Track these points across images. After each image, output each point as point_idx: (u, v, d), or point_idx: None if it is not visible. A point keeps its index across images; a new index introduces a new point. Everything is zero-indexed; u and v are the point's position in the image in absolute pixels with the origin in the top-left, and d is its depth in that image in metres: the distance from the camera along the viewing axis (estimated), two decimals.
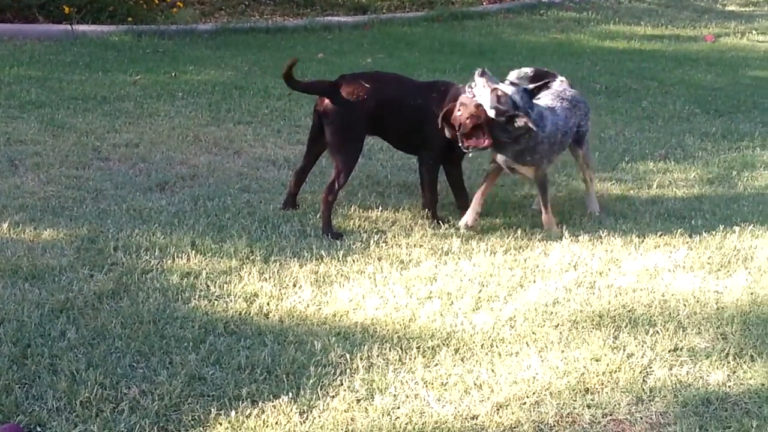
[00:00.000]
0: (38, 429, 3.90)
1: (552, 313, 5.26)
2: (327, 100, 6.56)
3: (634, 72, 14.01)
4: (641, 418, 4.23)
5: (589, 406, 4.30)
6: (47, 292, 5.14)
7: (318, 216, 6.61)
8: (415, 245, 6.25)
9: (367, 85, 6.56)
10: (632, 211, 7.19)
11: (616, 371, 4.62)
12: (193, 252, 5.86)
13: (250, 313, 5.09)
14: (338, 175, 6.48)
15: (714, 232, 6.74)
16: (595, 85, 12.66)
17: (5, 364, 4.33)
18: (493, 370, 4.60)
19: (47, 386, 4.20)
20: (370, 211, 6.86)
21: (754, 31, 19.59)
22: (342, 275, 5.69)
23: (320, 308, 5.23)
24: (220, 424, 4.02)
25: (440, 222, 6.66)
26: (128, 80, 11.16)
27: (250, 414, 4.12)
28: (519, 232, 6.58)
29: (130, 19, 14.86)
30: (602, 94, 12.15)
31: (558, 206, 7.15)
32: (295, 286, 5.50)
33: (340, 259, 5.92)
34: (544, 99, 6.66)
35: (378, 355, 4.67)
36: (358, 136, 6.71)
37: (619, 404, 4.34)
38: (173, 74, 11.62)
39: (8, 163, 7.57)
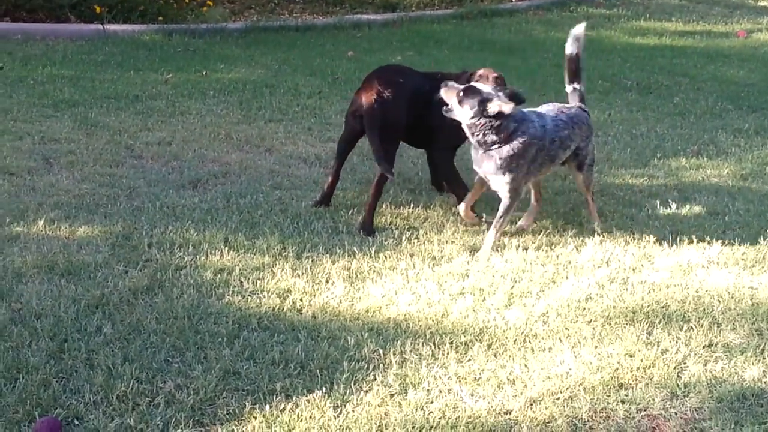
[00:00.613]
0: (75, 422, 3.95)
1: (585, 308, 5.26)
2: (367, 102, 6.46)
3: (666, 68, 13.93)
4: (675, 413, 4.22)
5: (623, 402, 4.30)
6: (83, 288, 5.20)
7: (350, 213, 6.64)
8: (447, 241, 6.26)
9: (400, 80, 6.56)
10: (665, 207, 7.16)
11: (650, 367, 4.61)
12: (226, 248, 5.90)
13: (283, 309, 5.12)
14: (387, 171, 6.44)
15: (748, 228, 6.70)
16: (626, 81, 12.61)
17: (43, 359, 4.39)
18: (526, 366, 4.60)
19: (84, 380, 4.25)
20: (401, 208, 6.87)
21: None
22: (374, 271, 5.71)
23: (353, 304, 5.26)
24: (255, 418, 4.05)
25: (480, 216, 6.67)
26: (160, 79, 11.22)
27: (284, 408, 4.15)
28: (551, 228, 6.58)
29: (160, 18, 14.95)
30: (633, 90, 12.10)
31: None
32: (327, 282, 5.53)
33: (373, 255, 5.94)
34: (542, 108, 6.50)
35: (411, 351, 4.69)
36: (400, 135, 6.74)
37: (653, 400, 4.33)
38: (204, 73, 11.68)
39: (43, 161, 7.65)
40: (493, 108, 5.88)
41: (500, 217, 6.14)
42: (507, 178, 6.04)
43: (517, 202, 6.20)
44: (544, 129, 6.15)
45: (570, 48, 6.77)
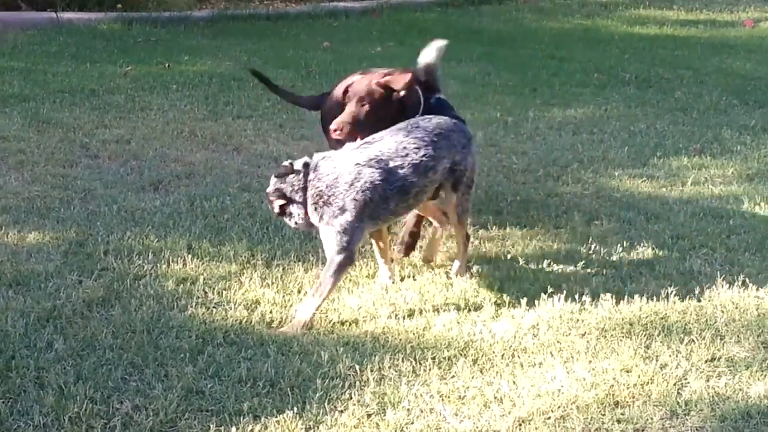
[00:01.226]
0: None
1: (578, 320, 5.26)
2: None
3: (667, 60, 14.00)
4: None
5: (619, 421, 4.30)
6: (33, 300, 5.17)
7: None
8: None
9: None
10: (665, 210, 7.19)
11: (648, 383, 4.61)
12: (190, 256, 5.88)
13: (251, 322, 5.11)
14: None
15: (754, 233, 6.74)
16: (625, 74, 12.66)
17: None
18: (514, 383, 4.60)
19: (33, 401, 4.21)
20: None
21: None
22: (351, 281, 5.71)
23: (327, 316, 5.25)
24: None
25: None
26: (118, 72, 11.21)
27: (252, 430, 4.13)
28: (542, 234, 6.59)
29: (119, 5, 14.95)
30: (632, 84, 12.15)
31: (585, 205, 7.16)
32: (299, 292, 5.52)
33: None
34: (382, 133, 5.41)
35: (390, 367, 4.68)
36: None
37: (652, 419, 4.33)
38: (167, 65, 11.67)
39: None
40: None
41: (323, 285, 5.22)
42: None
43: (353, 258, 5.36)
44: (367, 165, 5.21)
45: (427, 58, 6.36)
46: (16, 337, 4.74)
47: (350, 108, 5.78)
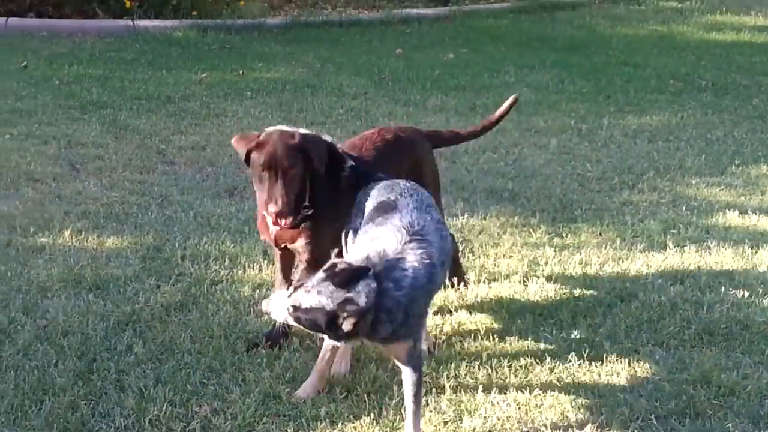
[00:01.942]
0: None
1: (656, 329, 5.21)
2: None
3: (744, 67, 13.78)
4: None
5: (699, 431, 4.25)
6: (112, 304, 5.26)
7: None
8: (504, 255, 6.24)
9: None
10: (744, 219, 7.09)
11: (728, 394, 4.55)
12: (265, 262, 5.93)
13: None
14: None
15: None
16: (701, 81, 12.49)
17: (71, 379, 4.44)
18: (592, 392, 4.57)
19: (114, 403, 4.29)
20: (455, 218, 6.86)
21: None
22: None
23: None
24: None
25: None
26: (193, 78, 11.33)
27: None
28: (618, 242, 6.53)
29: (194, 13, 15.09)
30: (708, 91, 11.98)
31: (662, 214, 7.10)
32: None
33: None
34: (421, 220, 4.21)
35: (466, 374, 4.68)
36: None
37: (728, 429, 4.27)
38: (241, 72, 11.77)
39: (69, 167, 7.76)
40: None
41: None
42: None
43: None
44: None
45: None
46: (96, 341, 4.84)
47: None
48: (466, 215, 6.94)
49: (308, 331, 3.97)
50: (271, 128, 4.55)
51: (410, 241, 4.00)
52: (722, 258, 6.28)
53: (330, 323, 3.76)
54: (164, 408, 4.23)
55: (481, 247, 6.37)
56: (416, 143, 5.24)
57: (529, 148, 8.89)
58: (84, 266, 5.76)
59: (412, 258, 3.95)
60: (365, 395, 4.44)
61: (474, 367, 4.74)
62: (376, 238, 4.07)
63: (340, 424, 4.24)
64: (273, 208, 4.40)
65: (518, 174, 8.02)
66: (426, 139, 5.43)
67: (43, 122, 9.08)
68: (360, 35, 15.00)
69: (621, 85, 12.06)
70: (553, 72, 12.67)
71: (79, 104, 9.83)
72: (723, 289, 5.78)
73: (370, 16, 16.63)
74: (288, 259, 4.91)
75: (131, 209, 6.82)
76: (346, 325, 3.74)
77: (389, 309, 3.84)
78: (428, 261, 3.98)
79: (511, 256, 6.23)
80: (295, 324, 3.91)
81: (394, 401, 4.40)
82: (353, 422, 4.24)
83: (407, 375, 4.11)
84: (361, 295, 3.75)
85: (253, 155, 4.46)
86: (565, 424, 4.30)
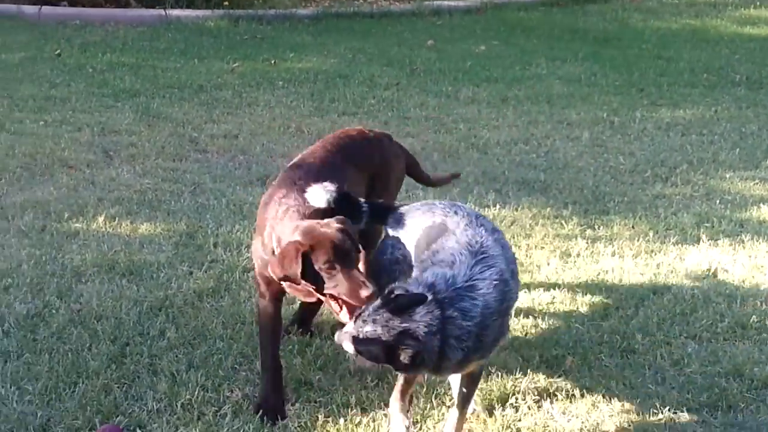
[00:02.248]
0: (138, 431, 4.02)
1: (689, 322, 5.19)
2: None
3: None
4: None
5: (732, 425, 4.23)
6: (145, 289, 5.30)
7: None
8: (536, 246, 6.23)
9: None
10: None
11: (761, 387, 4.53)
12: None
13: None
14: None
15: None
16: (735, 75, 12.39)
17: (104, 363, 4.48)
18: (624, 383, 4.56)
19: (147, 387, 4.33)
20: (486, 209, 6.85)
21: None
22: None
23: None
24: None
25: None
26: (225, 68, 11.37)
27: (359, 422, 4.17)
28: (651, 234, 6.50)
29: (226, 3, 15.14)
30: (743, 85, 11.89)
31: (695, 207, 7.06)
32: None
33: None
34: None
35: (497, 364, 4.68)
36: None
37: (765, 424, 4.25)
38: (272, 62, 11.79)
39: (103, 153, 7.81)
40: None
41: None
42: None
43: None
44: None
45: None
46: (129, 325, 4.87)
47: None
48: (498, 206, 6.92)
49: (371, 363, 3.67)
50: (301, 226, 4.03)
51: (476, 264, 3.74)
52: (756, 252, 6.24)
53: (389, 355, 3.52)
54: (196, 392, 4.26)
55: (513, 238, 6.35)
56: (384, 144, 4.97)
57: (561, 140, 8.86)
58: (117, 252, 5.80)
59: (482, 285, 3.69)
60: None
61: (505, 357, 4.73)
62: (439, 263, 3.82)
63: (371, 412, 4.25)
64: (366, 292, 3.87)
65: (550, 166, 8.00)
66: (399, 147, 5.12)
67: (77, 109, 9.14)
68: (391, 26, 14.99)
69: (654, 78, 11.99)
70: (586, 65, 12.61)
71: (112, 92, 9.89)
72: (756, 282, 5.75)
73: (401, 8, 16.62)
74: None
75: (164, 196, 6.85)
76: (405, 358, 3.52)
77: (458, 336, 3.59)
78: (498, 281, 3.74)
79: (543, 248, 6.22)
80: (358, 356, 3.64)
81: (424, 389, 4.40)
82: (384, 410, 4.25)
83: (467, 384, 3.99)
84: (420, 325, 3.51)
85: (315, 255, 3.95)
86: (596, 415, 4.29)
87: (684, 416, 4.30)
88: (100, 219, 6.30)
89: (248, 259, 5.76)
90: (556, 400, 4.42)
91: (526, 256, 6.07)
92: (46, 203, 6.60)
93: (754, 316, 5.25)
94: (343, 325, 3.76)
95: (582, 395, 4.44)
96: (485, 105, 10.22)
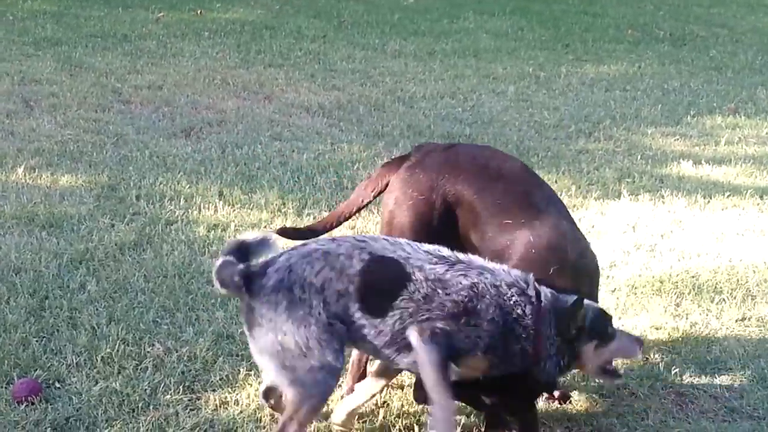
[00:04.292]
0: (57, 385, 3.96)
1: (609, 276, 5.25)
2: None
3: (702, 18, 13.84)
4: (705, 390, 4.22)
5: (648, 377, 4.30)
6: (65, 242, 5.21)
7: (355, 167, 6.62)
8: None
9: None
10: (697, 169, 7.14)
11: (678, 341, 4.61)
12: (221, 203, 5.90)
13: None
14: None
15: None
16: (659, 31, 12.53)
17: (22, 316, 4.40)
18: None
19: (66, 340, 4.26)
20: None
21: None
22: None
23: None
24: (250, 385, 4.06)
25: None
26: (150, 17, 11.20)
27: None
28: (573, 189, 6.56)
29: None
30: (666, 41, 12.02)
31: (617, 162, 7.13)
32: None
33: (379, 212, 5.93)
34: None
35: None
36: None
37: (681, 376, 4.33)
38: (198, 12, 11.65)
39: (23, 103, 7.65)
40: None
41: None
42: None
43: None
44: None
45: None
46: (49, 278, 4.79)
47: None
48: None
49: None
50: None
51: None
52: (675, 207, 6.33)
53: None
54: (117, 346, 4.20)
55: None
56: None
57: (487, 95, 8.88)
58: (37, 204, 5.69)
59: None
60: None
61: None
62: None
63: None
64: None
65: (476, 120, 8.02)
66: None
67: None
68: None
69: (579, 33, 12.08)
70: (513, 19, 12.66)
71: (33, 40, 9.69)
72: (674, 238, 5.83)
73: None
74: None
75: (86, 148, 6.74)
76: None
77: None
78: None
79: None
80: None
81: None
82: None
83: None
84: None
85: None
86: None
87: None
88: (20, 170, 6.18)
89: (171, 212, 5.71)
90: None
91: None
92: None
93: (671, 272, 5.33)
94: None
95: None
96: (412, 58, 10.20)
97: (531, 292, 3.48)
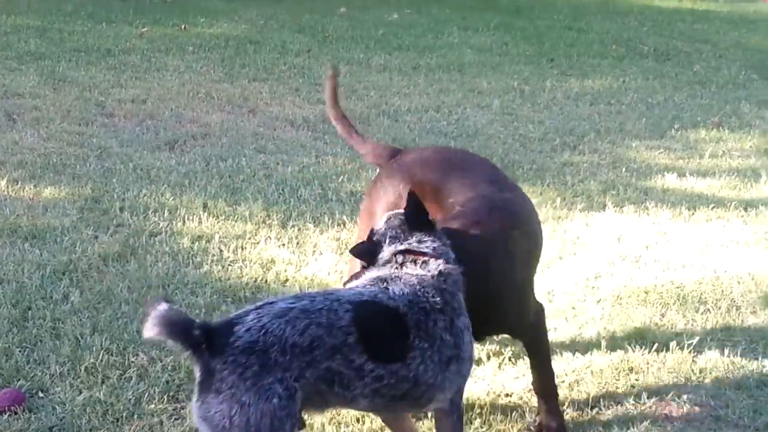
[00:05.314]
0: (40, 394, 3.94)
1: (594, 287, 5.27)
2: None
3: (685, 33, 13.93)
4: (689, 400, 4.23)
5: (633, 386, 4.31)
6: (48, 253, 5.19)
7: (339, 180, 6.64)
8: None
9: None
10: (682, 181, 7.18)
11: (663, 350, 4.62)
12: (205, 215, 5.90)
13: (266, 280, 5.12)
14: None
15: None
16: (643, 47, 12.61)
17: (5, 327, 4.38)
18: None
19: (50, 350, 4.24)
20: None
21: None
22: None
23: (343, 277, 5.25)
24: None
25: None
26: (134, 32, 11.21)
27: None
28: (558, 201, 6.58)
29: None
30: (650, 56, 12.10)
31: (602, 175, 7.17)
32: (315, 253, 5.53)
33: None
34: None
35: None
36: None
37: (666, 385, 4.34)
38: (182, 27, 11.66)
39: (5, 116, 7.64)
40: None
41: None
42: None
43: None
44: None
45: None
46: (32, 289, 4.78)
47: None
48: None
49: None
50: None
51: None
52: (660, 219, 6.36)
53: None
54: (100, 356, 4.19)
55: None
56: None
57: (472, 109, 8.92)
58: (20, 216, 5.68)
59: None
60: None
61: None
62: None
63: None
64: None
65: (461, 133, 8.05)
66: None
67: None
68: None
69: (564, 49, 12.14)
70: (497, 34, 12.72)
71: (15, 54, 9.69)
72: (659, 249, 5.86)
73: None
74: None
75: (69, 160, 6.73)
76: None
77: None
78: None
79: None
80: None
81: None
82: None
83: None
84: None
85: None
86: (502, 377, 4.33)
87: (588, 377, 4.36)
88: (2, 182, 6.17)
89: (155, 224, 5.70)
90: None
91: None
92: None
93: (656, 282, 5.35)
94: None
95: (488, 358, 4.49)
96: (397, 73, 10.24)
97: None
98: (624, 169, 7.35)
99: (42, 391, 3.97)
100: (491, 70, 10.63)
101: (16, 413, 3.77)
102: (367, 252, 3.41)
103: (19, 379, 4.01)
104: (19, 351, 4.22)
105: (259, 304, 3.07)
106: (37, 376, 4.06)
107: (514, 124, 8.46)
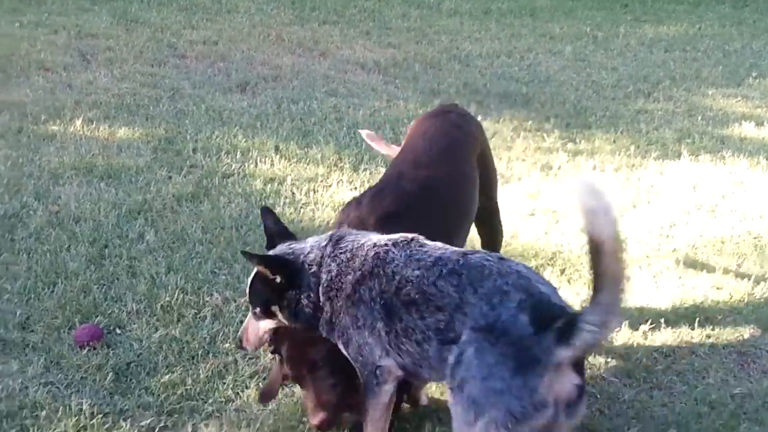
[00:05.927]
0: (117, 331, 4.01)
1: (668, 236, 5.21)
2: None
3: None
4: (766, 350, 4.19)
5: (708, 337, 4.26)
6: (124, 193, 5.26)
7: (410, 124, 6.60)
8: (516, 159, 6.22)
9: None
10: (760, 131, 7.05)
11: (739, 301, 4.56)
12: (277, 157, 5.92)
13: None
14: None
15: None
16: None
17: (83, 264, 4.45)
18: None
19: (126, 288, 4.30)
20: None
21: None
22: None
23: None
24: None
25: None
26: None
27: None
28: (632, 149, 6.50)
29: None
30: (727, 2, 11.85)
31: (677, 123, 7.06)
32: None
33: None
34: None
35: None
36: None
37: (742, 336, 4.29)
38: None
39: (80, 57, 7.71)
40: None
41: None
42: None
43: None
44: None
45: None
46: (108, 228, 4.84)
47: None
48: (479, 118, 6.86)
49: None
50: None
51: None
52: (736, 168, 6.26)
53: None
54: (176, 295, 4.24)
55: (495, 149, 6.29)
56: None
57: (543, 54, 8.82)
58: (95, 155, 5.75)
59: None
60: None
61: None
62: None
63: None
64: None
65: (532, 79, 7.97)
66: None
67: (53, 12, 9.01)
68: None
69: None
70: None
71: None
72: (736, 198, 5.77)
73: None
74: None
75: (142, 101, 6.79)
76: None
77: None
78: None
79: (524, 160, 6.21)
80: None
81: None
82: None
83: None
84: None
85: None
86: None
87: (662, 327, 4.31)
88: (78, 122, 6.24)
89: (227, 165, 5.73)
90: None
91: (507, 168, 6.05)
92: (23, 105, 6.53)
93: (733, 232, 5.27)
94: None
95: None
96: (468, 17, 10.14)
97: None
98: (700, 118, 7.24)
99: (119, 328, 4.03)
100: (563, 15, 10.49)
101: (95, 348, 3.83)
102: None
103: (98, 316, 4.08)
104: (97, 288, 4.28)
105: None
106: (114, 313, 4.12)
107: (587, 70, 8.36)
